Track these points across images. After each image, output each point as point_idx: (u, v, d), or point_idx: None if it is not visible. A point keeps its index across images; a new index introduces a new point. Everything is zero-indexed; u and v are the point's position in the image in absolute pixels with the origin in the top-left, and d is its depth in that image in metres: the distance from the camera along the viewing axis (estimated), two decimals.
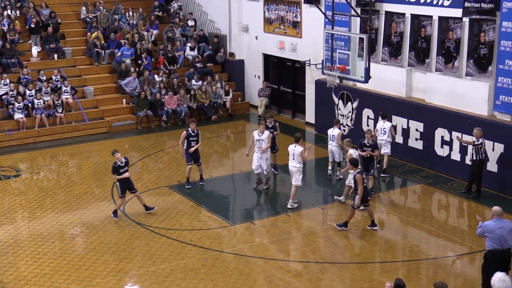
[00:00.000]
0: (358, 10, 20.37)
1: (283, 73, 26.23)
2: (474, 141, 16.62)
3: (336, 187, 18.59)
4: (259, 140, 17.49)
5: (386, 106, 20.28)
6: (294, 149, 16.44)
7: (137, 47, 26.26)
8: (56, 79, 24.34)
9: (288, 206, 16.53)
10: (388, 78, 20.44)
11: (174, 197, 17.48)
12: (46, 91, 23.71)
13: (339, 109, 22.24)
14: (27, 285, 12.82)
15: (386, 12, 20.58)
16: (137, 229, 15.46)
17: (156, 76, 25.82)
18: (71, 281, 12.99)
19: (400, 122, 19.83)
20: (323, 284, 12.82)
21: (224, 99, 25.96)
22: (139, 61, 26.08)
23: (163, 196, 17.58)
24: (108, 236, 15.07)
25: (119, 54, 25.94)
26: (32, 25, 25.84)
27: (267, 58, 26.73)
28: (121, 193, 15.94)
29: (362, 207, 15.03)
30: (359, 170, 14.81)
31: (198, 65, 26.78)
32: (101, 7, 27.79)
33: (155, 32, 28.09)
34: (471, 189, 17.17)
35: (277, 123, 19.17)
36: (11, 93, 23.16)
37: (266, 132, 17.59)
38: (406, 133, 19.71)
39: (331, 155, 18.70)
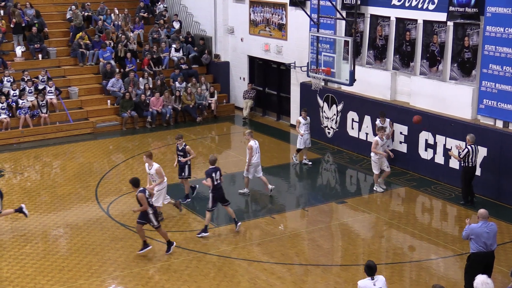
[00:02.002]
0: (344, 13, 20.45)
1: (268, 75, 26.27)
2: (459, 155, 16.51)
3: (321, 190, 18.66)
4: (149, 174, 15.52)
5: (371, 108, 20.39)
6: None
7: (118, 48, 26.17)
8: (43, 80, 24.21)
9: (374, 188, 18.12)
10: (373, 81, 20.54)
11: None
12: (30, 91, 23.57)
13: (324, 111, 22.31)
14: (9, 286, 12.74)
15: (371, 16, 20.68)
16: (121, 230, 15.41)
17: (141, 77, 25.76)
18: (54, 282, 12.92)
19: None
20: (307, 286, 12.84)
21: (209, 101, 25.96)
22: (126, 63, 26.00)
23: None
24: (92, 237, 15.01)
25: (102, 61, 25.81)
26: (12, 25, 25.72)
27: (252, 60, 26.76)
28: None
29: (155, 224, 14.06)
30: (140, 189, 13.80)
31: (183, 66, 26.76)
32: (73, 6, 27.59)
33: (139, 30, 28.05)
34: (467, 197, 16.93)
35: (187, 146, 16.95)
36: None
37: (155, 166, 15.33)
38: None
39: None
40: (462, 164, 16.76)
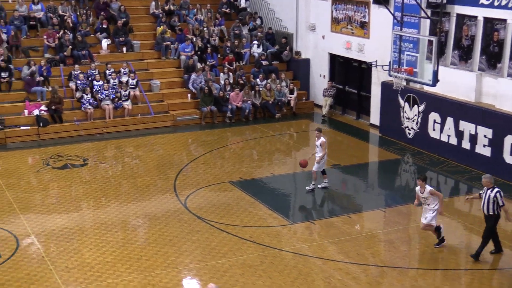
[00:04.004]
0: (428, 12, 19.99)
1: (349, 74, 26.01)
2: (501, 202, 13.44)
3: (399, 191, 18.34)
4: None
5: (454, 110, 19.90)
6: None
7: (195, 43, 26.50)
8: (125, 72, 24.79)
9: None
10: (457, 82, 20.01)
11: (236, 193, 17.54)
12: (114, 83, 24.17)
13: (405, 112, 21.91)
14: (90, 272, 13.10)
15: (458, 15, 20.15)
16: (197, 223, 15.59)
17: (221, 73, 26.00)
18: (132, 270, 13.19)
19: (467, 127, 19.39)
20: None
21: (289, 98, 25.93)
22: (207, 58, 26.31)
23: (225, 191, 17.66)
24: (169, 228, 15.24)
25: (183, 54, 26.18)
26: (104, 26, 26.48)
27: (333, 58, 26.56)
28: None
29: None
30: None
31: (264, 62, 26.83)
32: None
33: (221, 27, 28.34)
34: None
35: None
36: (79, 82, 23.76)
37: None
38: (473, 139, 19.25)
39: None
40: (493, 213, 13.59)
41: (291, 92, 26.10)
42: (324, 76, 26.91)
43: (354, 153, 21.31)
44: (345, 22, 25.32)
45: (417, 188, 14.19)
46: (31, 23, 26.07)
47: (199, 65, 25.89)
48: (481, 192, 13.78)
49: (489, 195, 13.46)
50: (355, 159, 20.64)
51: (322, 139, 17.44)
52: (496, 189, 13.43)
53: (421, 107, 21.22)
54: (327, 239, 14.80)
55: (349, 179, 19.23)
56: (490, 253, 13.89)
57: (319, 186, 17.83)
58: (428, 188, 14.00)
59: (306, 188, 17.77)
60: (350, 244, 14.50)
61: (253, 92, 25.42)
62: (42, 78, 23.76)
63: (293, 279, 12.91)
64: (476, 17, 19.54)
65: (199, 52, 26.44)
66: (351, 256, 13.92)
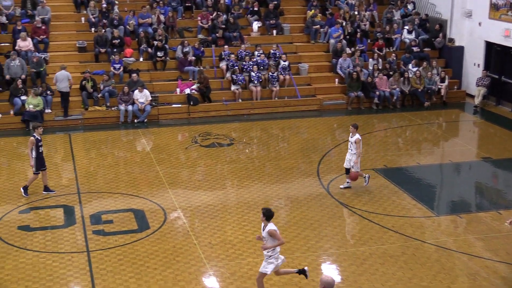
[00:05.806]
0: None
1: (506, 63, 24.67)
2: None
3: None
4: None
5: None
6: None
7: (345, 27, 26.18)
8: (274, 53, 25.00)
9: None
10: None
11: (379, 181, 17.22)
12: (262, 66, 24.45)
13: None
14: (232, 249, 13.39)
15: None
16: (339, 208, 15.48)
17: (370, 58, 25.58)
18: None
19: None
20: None
21: (439, 86, 25.05)
22: (357, 43, 25.99)
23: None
24: (311, 212, 15.24)
25: (334, 37, 26.01)
26: (255, 8, 26.86)
27: (489, 46, 25.30)
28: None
29: None
30: None
31: (415, 49, 26.08)
32: None
33: (373, 12, 27.86)
34: None
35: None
36: (231, 63, 24.30)
37: None
38: None
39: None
40: None
41: (442, 80, 25.19)
42: (478, 65, 25.73)
43: (508, 147, 20.23)
44: (506, 9, 24.00)
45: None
46: (186, 4, 27.00)
47: (348, 50, 25.62)
48: None
49: None
50: (508, 153, 19.59)
51: (357, 136, 16.18)
52: None
53: None
54: (474, 234, 14.18)
55: (501, 173, 18.30)
56: None
57: (341, 186, 16.62)
58: (269, 228, 11.03)
59: (340, 186, 16.58)
60: (499, 241, 13.80)
61: (402, 79, 24.79)
62: (194, 58, 24.53)
63: (435, 273, 12.49)
64: None
65: (348, 37, 26.17)
66: (500, 254, 13.25)
